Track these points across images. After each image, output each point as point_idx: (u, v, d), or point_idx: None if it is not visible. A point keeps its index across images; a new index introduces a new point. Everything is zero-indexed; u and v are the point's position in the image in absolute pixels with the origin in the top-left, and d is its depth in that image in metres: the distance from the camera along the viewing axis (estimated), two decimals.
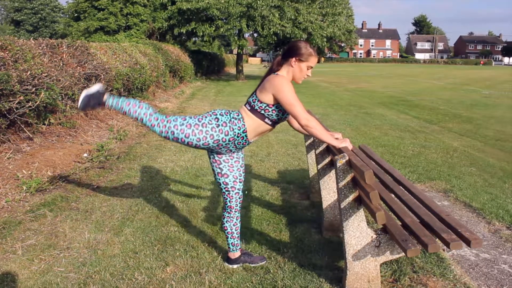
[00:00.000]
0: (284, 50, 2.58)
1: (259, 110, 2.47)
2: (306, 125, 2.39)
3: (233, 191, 2.68)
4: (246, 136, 2.50)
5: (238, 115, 2.49)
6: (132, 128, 7.81)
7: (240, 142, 2.53)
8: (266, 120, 2.50)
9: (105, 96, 2.59)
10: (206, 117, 2.50)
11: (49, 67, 5.90)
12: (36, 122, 5.68)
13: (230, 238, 2.78)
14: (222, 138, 2.47)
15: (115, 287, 2.56)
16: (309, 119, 2.38)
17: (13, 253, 2.97)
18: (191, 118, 2.51)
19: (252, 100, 2.51)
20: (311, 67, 2.54)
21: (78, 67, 7.04)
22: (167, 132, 2.48)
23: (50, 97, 5.46)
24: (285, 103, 2.39)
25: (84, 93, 2.58)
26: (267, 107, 2.46)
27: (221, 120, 2.47)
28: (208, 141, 2.47)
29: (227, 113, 2.51)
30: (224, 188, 2.68)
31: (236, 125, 2.47)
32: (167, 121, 2.49)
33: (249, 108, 2.50)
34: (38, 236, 3.24)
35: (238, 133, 2.48)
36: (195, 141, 2.47)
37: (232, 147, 2.56)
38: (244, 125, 2.47)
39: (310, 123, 2.38)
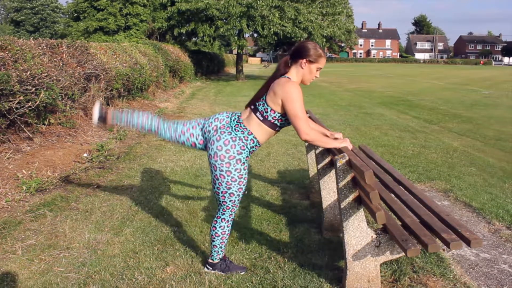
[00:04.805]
0: (292, 50, 2.53)
1: (272, 120, 2.46)
2: (305, 140, 2.41)
3: None
4: (258, 143, 2.52)
5: (243, 133, 2.47)
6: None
7: (253, 147, 2.54)
8: (277, 129, 2.51)
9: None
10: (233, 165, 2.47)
11: (49, 67, 5.90)
12: (36, 122, 5.68)
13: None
14: (243, 157, 2.49)
15: (115, 287, 2.56)
16: (309, 134, 2.38)
17: (13, 253, 2.97)
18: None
19: (264, 109, 2.46)
20: (320, 68, 2.53)
21: (78, 67, 7.03)
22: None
23: (50, 97, 5.45)
24: (291, 113, 2.37)
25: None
26: (280, 117, 2.46)
27: (235, 149, 2.45)
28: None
29: (234, 138, 2.45)
30: None
31: (247, 140, 2.47)
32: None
33: (261, 118, 2.47)
34: (38, 236, 3.24)
35: (251, 146, 2.50)
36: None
37: (249, 154, 2.58)
38: (254, 138, 2.47)
39: (309, 137, 2.39)
